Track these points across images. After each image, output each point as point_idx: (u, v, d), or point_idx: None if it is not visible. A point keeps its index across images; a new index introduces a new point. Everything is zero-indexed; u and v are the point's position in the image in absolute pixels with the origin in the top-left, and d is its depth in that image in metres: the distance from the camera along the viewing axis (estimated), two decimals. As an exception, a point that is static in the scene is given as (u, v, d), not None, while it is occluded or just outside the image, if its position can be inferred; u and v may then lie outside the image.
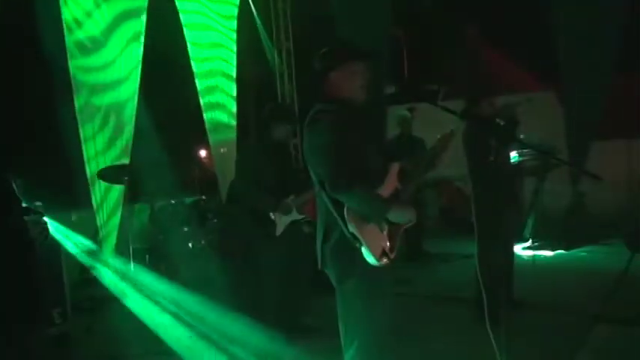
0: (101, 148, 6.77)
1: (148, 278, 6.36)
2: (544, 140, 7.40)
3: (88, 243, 6.79)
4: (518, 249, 7.57)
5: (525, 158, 7.68)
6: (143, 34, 7.15)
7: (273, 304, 5.08)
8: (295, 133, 9.08)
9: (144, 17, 7.17)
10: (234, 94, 9.26)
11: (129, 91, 7.02)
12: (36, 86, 7.18)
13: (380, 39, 8.33)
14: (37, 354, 4.55)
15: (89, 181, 6.71)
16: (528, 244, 8.10)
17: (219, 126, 9.02)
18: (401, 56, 12.63)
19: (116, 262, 6.69)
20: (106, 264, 6.73)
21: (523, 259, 7.42)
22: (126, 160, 6.84)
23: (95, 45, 6.80)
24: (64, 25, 6.54)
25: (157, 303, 6.14)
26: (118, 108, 6.94)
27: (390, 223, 2.94)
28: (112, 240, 6.87)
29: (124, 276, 6.43)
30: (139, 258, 6.45)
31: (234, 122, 9.24)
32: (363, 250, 2.84)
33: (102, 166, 6.61)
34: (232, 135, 9.21)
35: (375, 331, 2.96)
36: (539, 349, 4.44)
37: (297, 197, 5.08)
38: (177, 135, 8.52)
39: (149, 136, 7.35)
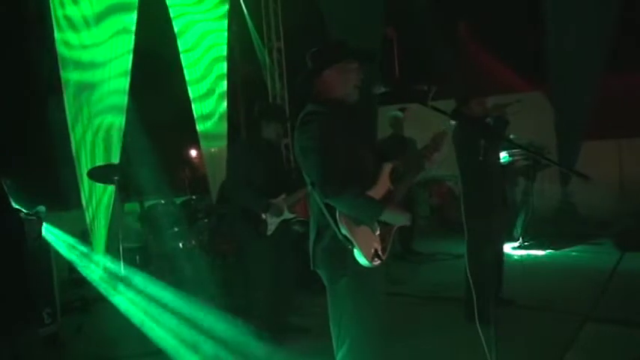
0: (90, 147, 6.74)
1: (138, 278, 6.33)
2: (533, 140, 7.45)
3: (75, 242, 6.76)
4: (508, 248, 7.61)
5: (515, 158, 7.73)
6: (133, 31, 7.10)
7: (263, 304, 5.07)
8: (286, 133, 9.08)
9: (134, 15, 7.14)
10: (225, 93, 9.24)
11: (119, 89, 6.98)
12: (24, 86, 7.13)
13: (371, 39, 8.33)
14: (26, 354, 4.52)
15: (79, 180, 6.68)
16: (518, 243, 8.14)
17: (209, 126, 9.00)
18: (392, 56, 12.66)
19: (106, 261, 6.67)
20: (96, 263, 6.71)
21: (513, 258, 7.46)
22: (115, 160, 6.81)
23: (85, 42, 6.77)
24: (54, 21, 6.52)
25: (147, 302, 6.11)
26: (107, 107, 6.90)
27: (382, 225, 2.94)
28: (102, 239, 6.84)
29: (113, 275, 6.40)
30: (129, 257, 6.41)
31: (224, 122, 9.22)
32: (355, 251, 2.85)
33: (91, 165, 6.57)
34: (223, 135, 9.19)
35: (366, 331, 2.96)
36: (528, 348, 4.46)
37: (288, 197, 5.08)
38: (167, 135, 8.49)
39: (139, 135, 7.32)
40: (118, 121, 6.90)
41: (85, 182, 6.65)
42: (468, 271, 5.26)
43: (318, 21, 8.52)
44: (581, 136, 8.56)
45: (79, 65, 6.72)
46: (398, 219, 2.97)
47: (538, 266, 7.25)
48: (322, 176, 2.83)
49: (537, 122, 8.33)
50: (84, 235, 6.92)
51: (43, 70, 6.68)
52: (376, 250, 2.89)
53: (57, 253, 6.05)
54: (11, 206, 4.54)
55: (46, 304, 5.30)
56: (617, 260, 6.75)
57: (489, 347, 3.35)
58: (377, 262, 2.88)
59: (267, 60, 9.86)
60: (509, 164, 7.72)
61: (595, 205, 8.50)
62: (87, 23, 6.77)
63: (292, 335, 5.18)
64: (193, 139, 8.97)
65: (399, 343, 4.32)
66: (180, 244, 6.83)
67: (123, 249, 6.23)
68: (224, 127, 9.20)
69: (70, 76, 6.65)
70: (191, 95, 8.71)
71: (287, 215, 5.11)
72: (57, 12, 6.58)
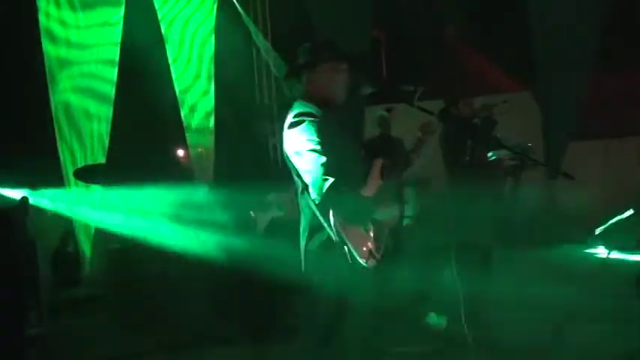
0: (77, 147, 6.70)
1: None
2: (520, 141, 7.47)
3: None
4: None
5: (502, 158, 7.75)
6: (121, 25, 7.08)
7: (254, 304, 5.07)
8: (274, 132, 9.06)
9: (122, 11, 7.11)
10: (212, 93, 9.19)
11: (106, 90, 6.95)
12: (8, 82, 7.03)
13: (359, 39, 8.34)
14: (10, 356, 4.49)
15: (65, 180, 6.64)
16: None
17: (196, 125, 8.96)
18: (379, 57, 12.68)
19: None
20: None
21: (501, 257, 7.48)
22: (102, 160, 6.77)
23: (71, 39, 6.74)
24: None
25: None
26: (94, 107, 6.86)
27: (375, 224, 2.94)
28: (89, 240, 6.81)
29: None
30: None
31: (212, 121, 9.17)
32: (350, 251, 2.84)
33: (78, 165, 6.54)
34: (210, 135, 9.14)
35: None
36: (514, 346, 4.48)
37: (277, 195, 5.08)
38: (154, 135, 8.43)
39: (126, 135, 7.29)
40: (105, 120, 6.87)
41: (72, 182, 6.62)
42: (454, 270, 5.31)
43: (306, 21, 8.51)
44: (568, 136, 8.62)
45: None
46: (390, 214, 2.99)
47: (524, 265, 7.27)
48: (318, 179, 2.80)
49: (524, 123, 8.36)
50: (67, 237, 6.87)
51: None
52: (371, 250, 2.89)
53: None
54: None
55: (32, 304, 5.27)
56: (603, 259, 6.79)
57: (474, 343, 3.37)
58: (372, 261, 2.89)
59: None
60: (497, 164, 7.74)
61: (580, 204, 8.55)
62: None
63: (284, 335, 5.19)
64: (180, 139, 8.91)
65: (384, 343, 4.35)
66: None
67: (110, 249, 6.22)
68: (211, 127, 9.14)
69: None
70: (178, 94, 8.66)
71: (276, 213, 5.11)
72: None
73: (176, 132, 8.81)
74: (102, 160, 6.76)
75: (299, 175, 2.93)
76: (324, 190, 2.78)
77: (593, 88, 8.41)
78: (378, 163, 3.00)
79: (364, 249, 2.86)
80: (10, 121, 6.91)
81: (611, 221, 6.14)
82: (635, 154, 9.36)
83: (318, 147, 2.81)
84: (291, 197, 5.08)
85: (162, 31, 8.39)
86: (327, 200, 2.81)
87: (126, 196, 7.06)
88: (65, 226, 6.84)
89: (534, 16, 8.44)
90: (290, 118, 2.95)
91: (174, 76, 8.55)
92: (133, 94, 7.60)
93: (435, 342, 4.85)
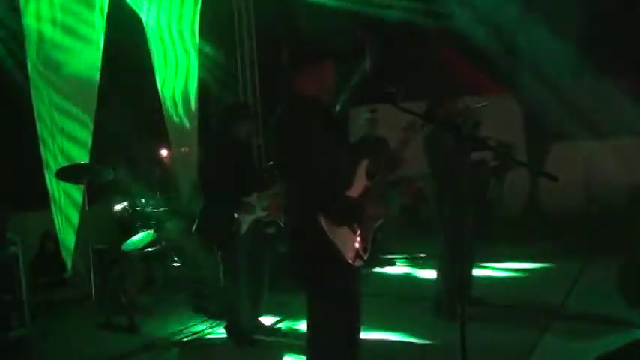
0: (60, 147, 6.64)
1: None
2: (502, 142, 7.51)
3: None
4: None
5: (485, 159, 7.80)
6: (103, 24, 7.02)
7: (236, 303, 5.06)
8: (257, 132, 9.04)
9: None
10: (195, 92, 9.15)
11: (89, 87, 6.90)
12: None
13: (344, 40, 8.35)
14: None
15: (47, 180, 6.58)
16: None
17: (179, 125, 8.92)
18: (364, 57, 12.68)
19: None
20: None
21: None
22: (85, 160, 6.71)
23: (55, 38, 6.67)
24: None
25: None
26: (77, 106, 6.81)
27: (362, 224, 2.94)
28: (71, 240, 6.75)
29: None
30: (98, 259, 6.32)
31: (195, 121, 9.13)
32: (337, 251, 2.84)
33: (60, 165, 6.47)
34: (194, 134, 9.10)
35: (342, 331, 2.98)
36: (496, 345, 4.50)
37: (259, 196, 5.09)
38: (137, 134, 8.38)
39: (109, 135, 7.25)
40: (88, 120, 6.82)
41: (54, 183, 6.56)
42: (438, 269, 5.36)
43: (290, 20, 8.51)
44: (549, 137, 8.69)
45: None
46: (377, 212, 2.99)
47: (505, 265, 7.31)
48: (304, 187, 2.83)
49: (506, 124, 8.42)
50: (46, 236, 6.81)
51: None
52: (357, 251, 2.90)
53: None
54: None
55: (13, 306, 5.21)
56: (584, 259, 6.86)
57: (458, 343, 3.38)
58: (359, 261, 2.90)
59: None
60: (480, 164, 7.79)
61: (562, 205, 8.62)
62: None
63: (266, 334, 5.19)
64: (163, 138, 8.86)
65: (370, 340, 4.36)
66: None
67: (93, 250, 6.18)
68: (194, 126, 9.11)
69: (40, 76, 6.54)
70: (161, 93, 8.62)
71: (259, 213, 5.12)
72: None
73: (159, 132, 8.77)
74: (85, 160, 6.70)
75: (287, 175, 2.94)
76: (313, 203, 2.80)
77: (576, 90, 8.48)
78: (364, 165, 3.02)
79: (352, 249, 2.88)
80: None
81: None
82: (616, 155, 9.44)
83: (307, 146, 2.81)
84: (275, 197, 5.12)
85: (145, 27, 8.34)
86: (322, 203, 2.82)
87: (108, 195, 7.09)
88: (47, 226, 6.76)
89: (518, 19, 8.50)
90: (278, 117, 2.96)
91: (157, 75, 8.52)
92: (115, 93, 7.54)
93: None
